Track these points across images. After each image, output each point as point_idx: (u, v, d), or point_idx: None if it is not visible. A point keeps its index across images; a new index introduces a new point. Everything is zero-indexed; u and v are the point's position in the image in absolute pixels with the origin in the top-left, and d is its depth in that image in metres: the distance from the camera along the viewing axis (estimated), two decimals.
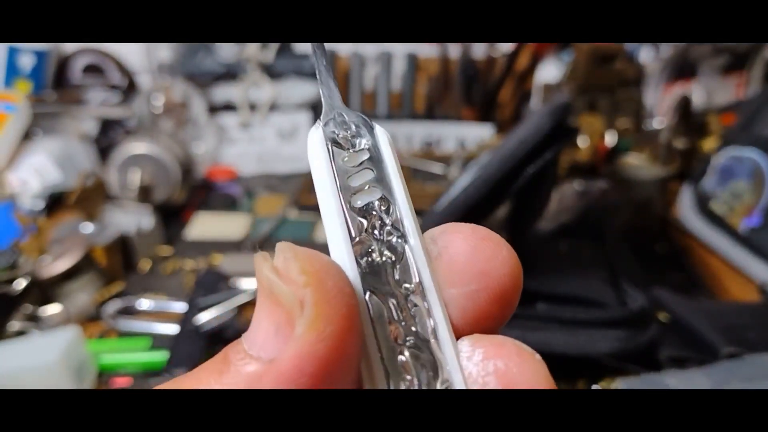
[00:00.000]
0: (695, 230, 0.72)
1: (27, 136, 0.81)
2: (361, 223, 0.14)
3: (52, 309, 0.58)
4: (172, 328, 0.57)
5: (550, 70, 0.97)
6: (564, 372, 0.49)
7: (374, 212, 0.14)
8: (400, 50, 0.98)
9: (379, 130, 0.16)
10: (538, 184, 0.57)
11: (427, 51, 0.98)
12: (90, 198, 0.73)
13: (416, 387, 0.13)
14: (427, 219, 0.54)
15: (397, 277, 0.14)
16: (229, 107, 0.97)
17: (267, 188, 0.92)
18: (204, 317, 0.56)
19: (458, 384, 0.13)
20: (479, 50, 0.98)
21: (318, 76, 0.16)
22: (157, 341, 0.55)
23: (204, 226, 0.80)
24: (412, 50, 0.97)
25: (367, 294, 0.13)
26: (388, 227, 0.14)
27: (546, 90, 0.95)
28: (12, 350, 0.49)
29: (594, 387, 0.47)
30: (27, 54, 0.87)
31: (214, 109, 0.96)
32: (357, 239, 0.14)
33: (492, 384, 0.13)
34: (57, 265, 0.60)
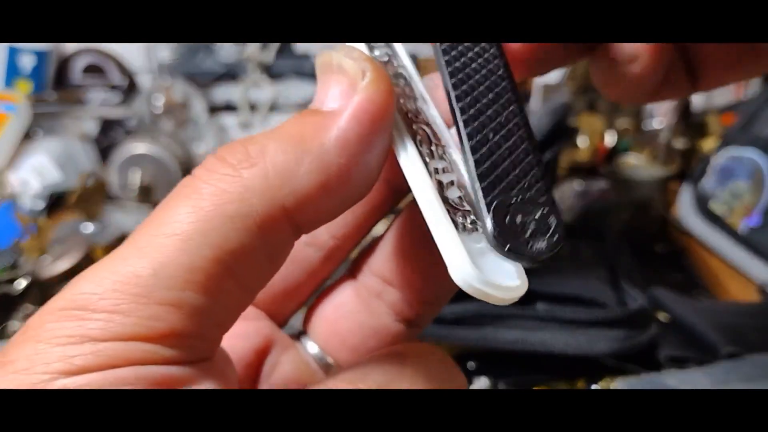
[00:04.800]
0: (695, 230, 0.72)
1: (27, 136, 0.81)
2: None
3: None
4: None
5: None
6: (564, 372, 0.49)
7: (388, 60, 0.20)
8: None
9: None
10: None
11: (427, 51, 0.98)
12: (90, 198, 0.73)
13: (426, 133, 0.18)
14: None
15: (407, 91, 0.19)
16: (229, 107, 0.97)
17: None
18: None
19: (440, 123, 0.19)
20: None
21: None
22: None
23: None
24: (412, 50, 0.98)
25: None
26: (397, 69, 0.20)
27: (546, 90, 0.95)
28: None
29: (593, 387, 0.47)
30: (27, 54, 0.87)
31: (214, 109, 0.96)
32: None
33: None
34: (57, 265, 0.60)
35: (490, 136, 0.17)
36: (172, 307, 0.14)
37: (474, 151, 0.17)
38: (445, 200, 0.16)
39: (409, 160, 0.17)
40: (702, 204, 0.72)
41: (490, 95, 0.18)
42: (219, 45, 0.94)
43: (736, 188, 0.68)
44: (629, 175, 0.77)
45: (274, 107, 0.97)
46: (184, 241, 0.14)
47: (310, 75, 0.96)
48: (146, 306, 0.13)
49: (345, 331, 0.21)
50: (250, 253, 0.15)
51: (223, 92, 0.96)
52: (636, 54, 0.21)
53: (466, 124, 0.17)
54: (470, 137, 0.17)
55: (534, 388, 0.48)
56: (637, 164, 0.80)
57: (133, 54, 0.96)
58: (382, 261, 0.21)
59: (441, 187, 0.17)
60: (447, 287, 0.21)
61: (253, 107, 0.97)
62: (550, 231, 0.16)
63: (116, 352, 0.13)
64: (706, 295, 0.63)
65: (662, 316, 0.54)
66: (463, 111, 0.17)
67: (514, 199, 0.16)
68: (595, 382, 0.47)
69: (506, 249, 0.15)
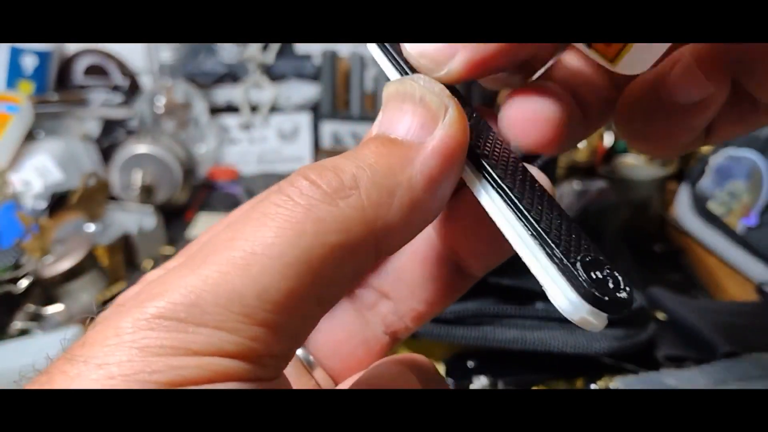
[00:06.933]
0: (693, 230, 0.73)
1: (30, 136, 0.82)
2: None
3: (55, 308, 0.58)
4: None
5: None
6: (562, 371, 0.49)
7: None
8: None
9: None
10: None
11: None
12: (92, 198, 0.73)
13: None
14: None
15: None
16: (230, 108, 0.97)
17: (268, 188, 0.92)
18: None
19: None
20: None
21: None
22: None
23: (206, 226, 0.80)
24: None
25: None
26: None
27: None
28: (14, 349, 0.50)
29: (592, 386, 0.47)
30: (30, 54, 0.87)
31: (215, 110, 0.96)
32: None
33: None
34: (59, 265, 0.60)
35: (540, 207, 0.17)
36: (270, 330, 0.14)
37: (537, 222, 0.17)
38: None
39: (492, 200, 0.17)
40: (700, 204, 0.72)
41: (513, 168, 0.18)
42: (220, 46, 0.94)
43: (734, 188, 0.68)
44: (627, 175, 0.77)
45: (274, 108, 0.98)
46: (288, 266, 0.14)
47: (310, 76, 0.97)
48: (249, 327, 0.14)
49: (340, 341, 0.21)
50: (341, 281, 0.15)
51: (224, 93, 0.97)
52: (707, 101, 0.20)
53: (519, 200, 0.17)
54: (528, 211, 0.17)
55: (533, 387, 0.48)
56: (636, 164, 0.81)
57: (134, 55, 0.96)
58: (383, 274, 0.22)
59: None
60: (443, 301, 0.21)
61: (254, 108, 0.97)
62: (622, 284, 0.16)
63: (218, 367, 0.13)
64: (704, 295, 0.63)
65: (660, 316, 0.54)
66: (519, 199, 0.17)
67: (587, 258, 0.16)
68: (594, 381, 0.47)
69: (606, 299, 0.15)
